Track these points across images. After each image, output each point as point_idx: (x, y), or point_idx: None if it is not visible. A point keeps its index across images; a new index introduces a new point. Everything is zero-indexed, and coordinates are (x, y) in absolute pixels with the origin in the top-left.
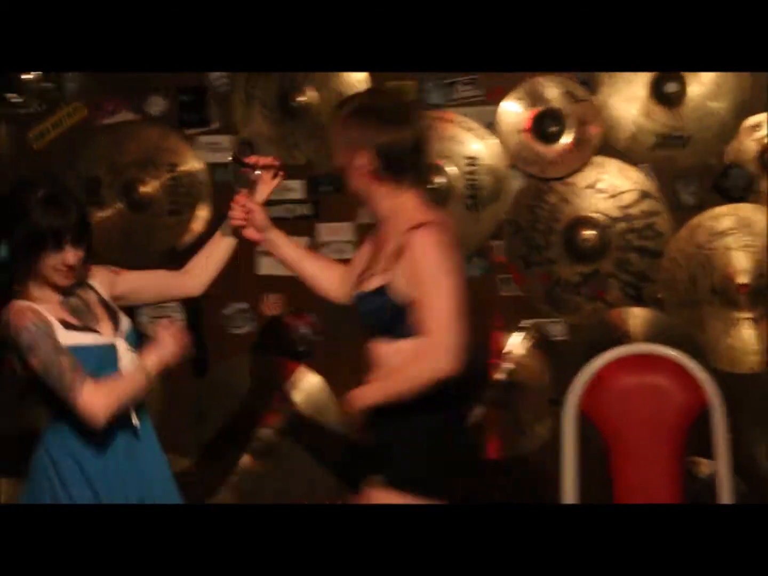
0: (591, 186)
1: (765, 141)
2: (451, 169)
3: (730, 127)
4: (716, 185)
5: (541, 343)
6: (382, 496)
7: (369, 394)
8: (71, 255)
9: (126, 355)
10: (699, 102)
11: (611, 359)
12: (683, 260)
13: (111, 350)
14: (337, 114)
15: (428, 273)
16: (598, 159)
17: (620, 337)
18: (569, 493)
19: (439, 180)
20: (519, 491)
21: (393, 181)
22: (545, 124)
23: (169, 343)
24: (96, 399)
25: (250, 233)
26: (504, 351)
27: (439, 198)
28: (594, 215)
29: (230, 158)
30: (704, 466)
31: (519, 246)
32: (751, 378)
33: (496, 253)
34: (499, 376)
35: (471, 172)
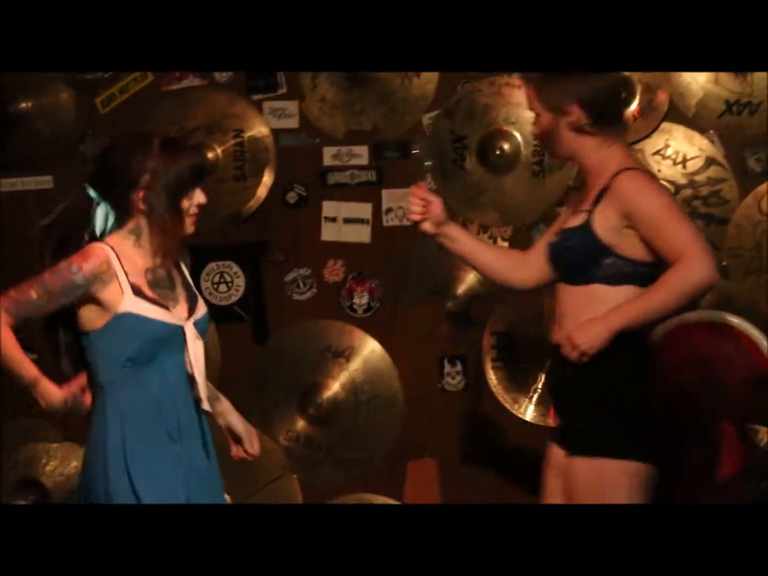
0: (658, 152)
1: None
2: (518, 135)
3: None
4: None
5: None
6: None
7: (623, 315)
8: (202, 195)
9: (194, 342)
10: None
11: (675, 325)
12: (749, 227)
13: (178, 332)
14: (529, 79)
15: (654, 205)
16: (666, 125)
17: None
18: None
19: (506, 146)
20: None
21: (601, 133)
22: None
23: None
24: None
25: (426, 226)
26: None
27: (506, 164)
28: (660, 182)
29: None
30: (765, 435)
31: None
32: None
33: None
34: None
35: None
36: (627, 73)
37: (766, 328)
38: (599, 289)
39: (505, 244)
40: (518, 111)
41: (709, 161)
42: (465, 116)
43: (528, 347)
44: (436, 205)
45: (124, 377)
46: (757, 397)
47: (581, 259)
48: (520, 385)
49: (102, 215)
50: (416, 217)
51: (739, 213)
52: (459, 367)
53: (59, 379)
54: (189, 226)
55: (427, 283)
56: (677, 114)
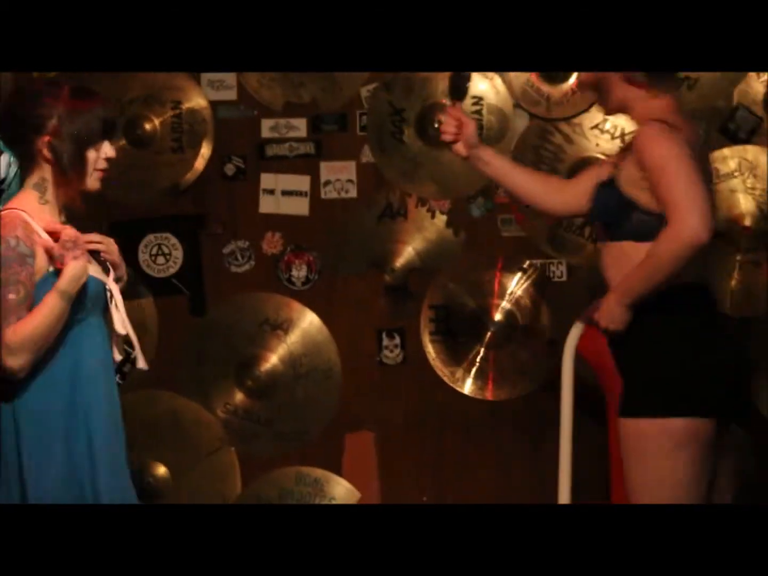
0: (596, 126)
1: None
2: None
3: None
4: (722, 127)
5: (542, 284)
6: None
7: (626, 287)
8: (111, 148)
9: (121, 299)
10: None
11: None
12: None
13: (104, 290)
14: None
15: (657, 156)
16: None
17: None
18: (566, 435)
19: (443, 119)
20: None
21: (650, 84)
22: None
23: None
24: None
25: (458, 148)
26: (504, 291)
27: None
28: (598, 156)
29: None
30: None
31: None
32: (755, 322)
33: (500, 194)
34: (498, 316)
35: (476, 112)
36: None
37: None
38: (630, 247)
39: (444, 217)
40: None
41: None
42: (403, 89)
43: (466, 321)
44: (470, 127)
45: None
46: None
47: (609, 215)
48: (458, 358)
49: (5, 163)
50: (449, 137)
51: None
52: (397, 340)
53: None
54: (94, 181)
55: (365, 256)
56: None
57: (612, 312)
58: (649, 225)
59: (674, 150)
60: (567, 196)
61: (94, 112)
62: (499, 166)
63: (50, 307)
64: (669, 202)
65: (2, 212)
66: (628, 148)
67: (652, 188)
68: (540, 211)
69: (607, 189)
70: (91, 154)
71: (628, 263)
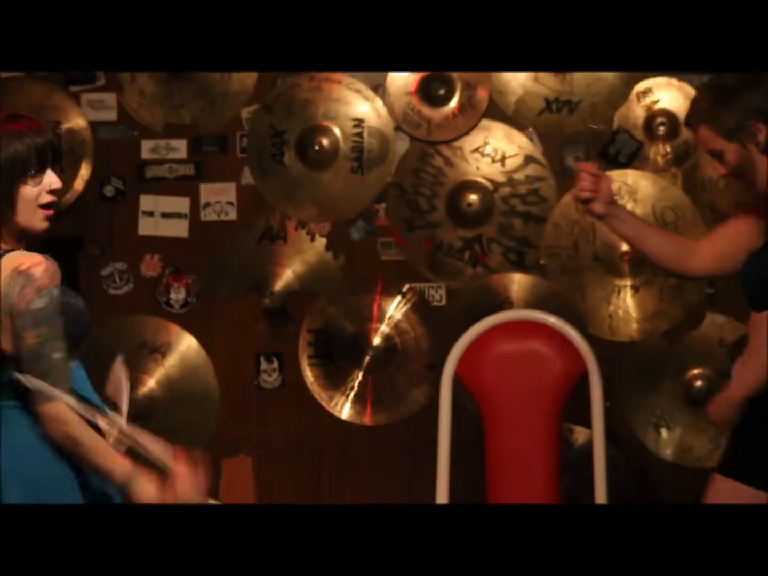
0: (477, 150)
1: (653, 107)
2: (337, 131)
3: (619, 93)
4: (603, 151)
5: (421, 308)
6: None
7: (738, 388)
8: (55, 178)
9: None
10: None
11: (490, 325)
12: (566, 226)
13: None
14: (697, 118)
15: None
16: (485, 123)
17: (501, 303)
18: (443, 458)
19: (324, 141)
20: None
21: None
22: (432, 87)
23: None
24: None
25: (595, 206)
26: (383, 315)
27: (325, 160)
28: (479, 179)
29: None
30: (580, 434)
31: (402, 209)
32: (630, 346)
33: (379, 217)
34: (377, 340)
35: (357, 134)
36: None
37: (581, 327)
38: None
39: (324, 240)
40: (337, 106)
41: (528, 159)
42: (284, 111)
43: (345, 345)
44: (606, 183)
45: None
46: (571, 396)
47: (762, 286)
48: (336, 382)
49: None
50: (586, 195)
51: (557, 212)
52: (275, 364)
53: None
54: (38, 221)
55: (244, 279)
56: (497, 111)
57: (725, 412)
58: None
59: None
60: (704, 259)
61: (25, 140)
62: (636, 225)
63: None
64: None
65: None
66: None
67: None
68: (674, 273)
69: (758, 259)
70: (27, 189)
71: None
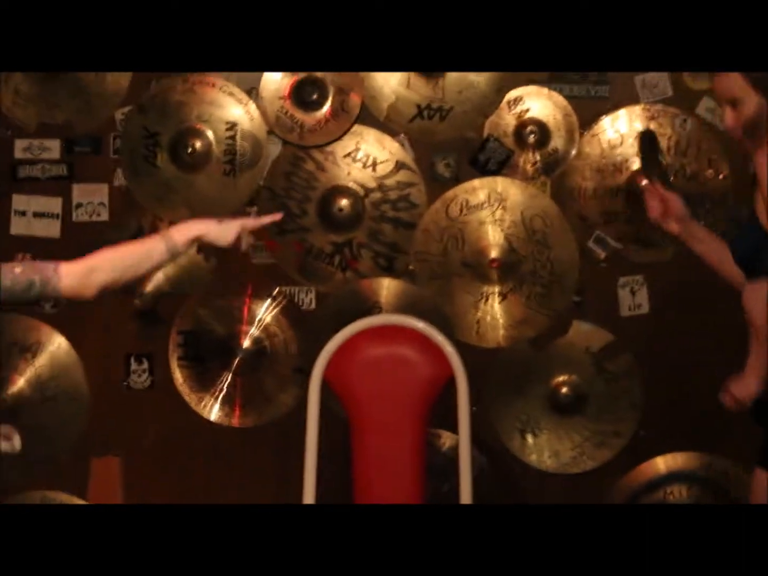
0: (348, 155)
1: (524, 116)
2: (210, 134)
3: (490, 101)
4: (473, 159)
5: (291, 311)
6: None
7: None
8: None
9: None
10: (460, 74)
11: (359, 329)
12: (436, 233)
13: None
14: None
15: None
16: (357, 128)
17: (370, 307)
18: (310, 461)
19: (198, 144)
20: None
21: None
22: (305, 92)
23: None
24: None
25: (671, 226)
26: (253, 318)
27: (198, 162)
28: (350, 185)
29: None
30: (446, 439)
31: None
32: (496, 352)
33: None
34: (246, 343)
35: (230, 137)
36: (320, 74)
37: (449, 332)
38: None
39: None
40: (211, 109)
41: (399, 165)
42: (158, 113)
43: (215, 347)
44: (676, 202)
45: None
46: (438, 401)
47: (753, 253)
48: (206, 384)
49: None
50: (656, 214)
51: (427, 218)
52: (145, 365)
53: None
54: None
55: None
56: (369, 117)
57: (753, 388)
58: None
59: None
60: None
61: None
62: (716, 248)
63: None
64: None
65: None
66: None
67: None
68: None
69: (748, 227)
70: None
71: None
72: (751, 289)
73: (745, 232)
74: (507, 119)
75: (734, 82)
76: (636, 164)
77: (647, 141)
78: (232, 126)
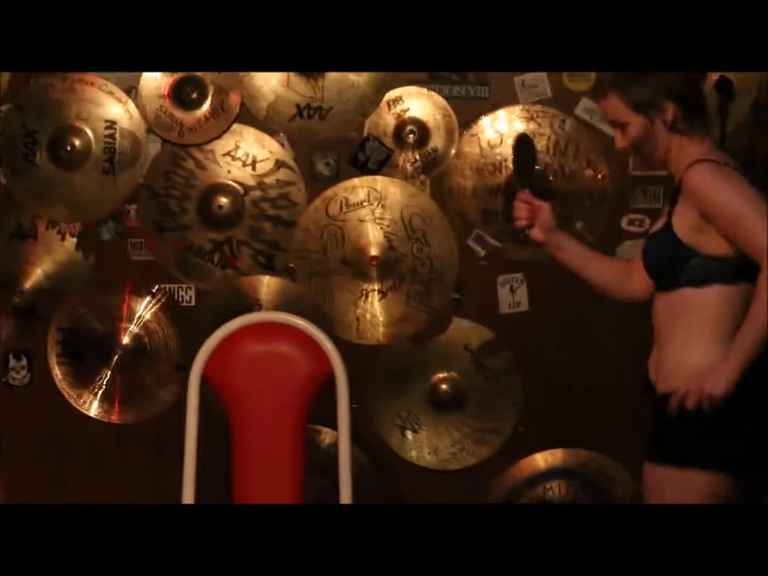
0: (228, 154)
1: (403, 115)
2: (90, 132)
3: (370, 101)
4: (353, 158)
5: (170, 309)
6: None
7: (740, 352)
8: None
9: None
10: (340, 74)
11: (239, 326)
12: (316, 231)
13: None
14: (609, 86)
15: (724, 199)
16: (237, 127)
17: (250, 305)
18: (190, 457)
19: (77, 142)
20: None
21: (691, 130)
22: (185, 91)
23: None
24: None
25: (535, 233)
26: (132, 315)
27: (77, 160)
28: (229, 183)
29: None
30: (326, 436)
31: (153, 211)
32: (376, 349)
33: (130, 218)
34: (126, 340)
35: (109, 136)
36: (199, 74)
37: (329, 330)
38: (688, 294)
39: (74, 240)
40: (90, 107)
41: (279, 164)
42: (36, 111)
43: (94, 344)
44: (544, 211)
45: None
46: (318, 398)
47: (667, 264)
48: (85, 381)
49: None
50: (523, 223)
51: (307, 216)
52: (24, 362)
53: None
54: None
55: None
56: (248, 116)
57: (726, 381)
58: (709, 269)
59: (738, 190)
60: (639, 281)
61: None
62: (576, 253)
63: None
64: (756, 249)
65: None
66: (678, 193)
67: (726, 234)
68: (620, 299)
69: (662, 237)
70: None
71: (690, 312)
72: (660, 300)
73: (659, 243)
74: (387, 119)
75: (616, 108)
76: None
77: (521, 146)
78: (111, 124)
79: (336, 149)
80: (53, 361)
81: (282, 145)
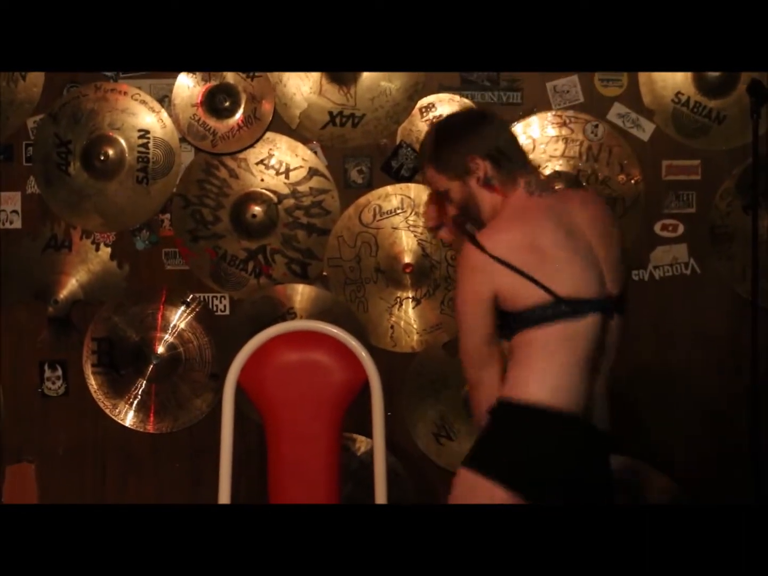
0: (261, 162)
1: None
2: (123, 142)
3: (402, 108)
4: (386, 165)
5: (205, 318)
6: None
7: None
8: None
9: None
10: (372, 82)
11: (273, 335)
12: (349, 239)
13: None
14: (422, 161)
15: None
16: (270, 135)
17: (284, 313)
18: (225, 467)
19: (110, 151)
20: (175, 463)
21: (508, 181)
22: (218, 99)
23: None
24: None
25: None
26: (167, 324)
27: (110, 170)
28: (263, 191)
29: None
30: (361, 444)
31: (187, 220)
32: (411, 357)
33: (164, 227)
34: (160, 349)
35: (143, 145)
36: (232, 82)
37: (363, 338)
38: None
39: (108, 249)
40: (123, 117)
41: (312, 172)
42: (70, 120)
43: (129, 353)
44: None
45: None
46: (353, 406)
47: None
48: (120, 390)
49: None
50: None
51: (340, 224)
52: (59, 372)
53: None
54: None
55: (28, 287)
56: (281, 124)
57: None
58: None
59: (461, 288)
60: None
61: None
62: None
63: None
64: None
65: None
66: None
67: None
68: None
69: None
70: None
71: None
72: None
73: None
74: (419, 126)
75: (434, 178)
76: (548, 169)
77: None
78: (144, 134)
79: (369, 157)
80: (88, 370)
81: (315, 153)
